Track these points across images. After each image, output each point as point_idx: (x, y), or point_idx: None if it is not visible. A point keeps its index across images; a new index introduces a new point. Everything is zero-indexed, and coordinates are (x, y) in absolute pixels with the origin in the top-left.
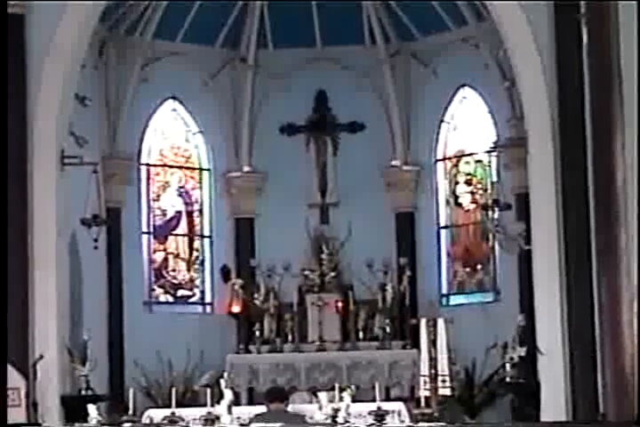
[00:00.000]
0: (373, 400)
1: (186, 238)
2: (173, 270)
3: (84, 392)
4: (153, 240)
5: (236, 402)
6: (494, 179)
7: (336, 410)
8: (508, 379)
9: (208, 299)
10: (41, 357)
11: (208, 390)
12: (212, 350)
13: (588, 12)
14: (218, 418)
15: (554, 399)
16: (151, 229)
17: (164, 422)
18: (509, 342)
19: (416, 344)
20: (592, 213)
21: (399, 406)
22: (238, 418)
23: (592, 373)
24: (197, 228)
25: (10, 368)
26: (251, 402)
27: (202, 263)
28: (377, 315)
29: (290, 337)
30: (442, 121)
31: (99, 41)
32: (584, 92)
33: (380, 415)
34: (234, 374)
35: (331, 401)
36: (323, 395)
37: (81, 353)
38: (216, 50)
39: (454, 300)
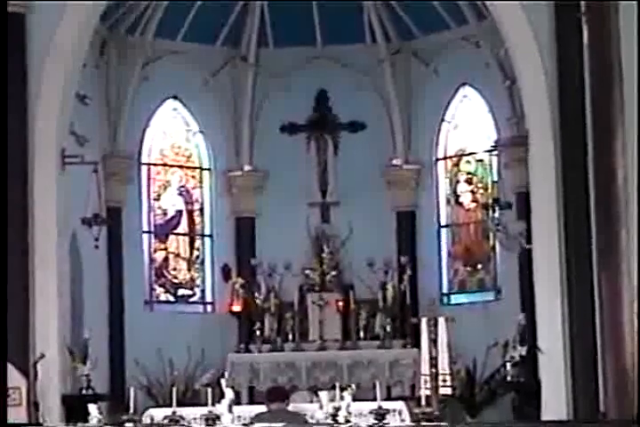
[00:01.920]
0: (374, 399)
1: (186, 238)
2: (174, 270)
3: (84, 391)
4: (154, 239)
5: (237, 401)
6: (495, 178)
7: (337, 409)
8: (508, 378)
9: (209, 298)
10: (42, 356)
11: (209, 390)
12: (213, 350)
13: (588, 11)
14: (219, 417)
15: (554, 398)
16: (152, 229)
17: (165, 421)
18: (510, 341)
19: (417, 343)
20: (593, 212)
21: (400, 405)
22: (239, 417)
23: (592, 372)
24: (198, 227)
25: (10, 367)
26: (251, 401)
27: (202, 262)
28: (378, 314)
29: (290, 336)
30: (442, 120)
31: (99, 40)
32: (585, 91)
33: (380, 414)
34: (234, 373)
35: (331, 400)
36: (323, 394)
37: (82, 352)
38: (217, 49)
39: (455, 299)
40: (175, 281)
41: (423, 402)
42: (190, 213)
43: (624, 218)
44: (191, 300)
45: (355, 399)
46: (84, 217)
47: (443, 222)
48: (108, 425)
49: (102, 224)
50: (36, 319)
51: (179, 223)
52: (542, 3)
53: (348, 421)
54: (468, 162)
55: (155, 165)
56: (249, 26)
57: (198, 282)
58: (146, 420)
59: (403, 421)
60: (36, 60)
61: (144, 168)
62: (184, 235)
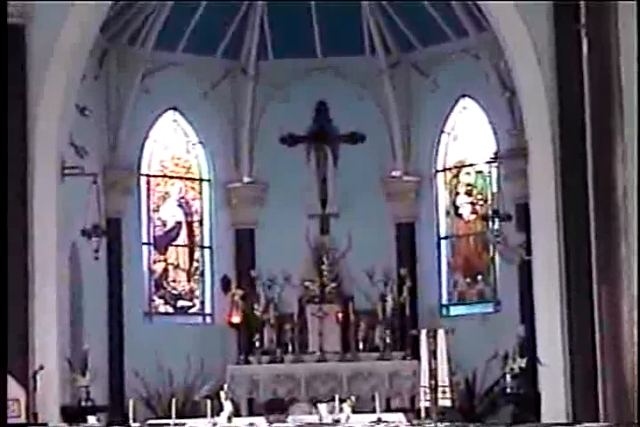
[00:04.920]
0: (374, 411)
1: (186, 249)
2: (173, 281)
3: (84, 403)
4: (153, 251)
5: (236, 413)
6: (494, 189)
7: (336, 421)
8: (508, 389)
9: (208, 309)
10: (41, 367)
11: (208, 401)
12: (213, 361)
13: (587, 22)
14: None
15: (554, 410)
16: (151, 240)
17: None
18: (510, 352)
19: (416, 355)
20: (592, 224)
21: (399, 416)
22: None
23: (592, 383)
24: (197, 238)
25: (10, 379)
26: (251, 413)
27: (202, 274)
28: (377, 325)
29: (290, 348)
30: (442, 131)
31: (99, 51)
32: (584, 102)
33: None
34: (234, 384)
35: (331, 412)
36: (323, 406)
37: (81, 364)
38: (216, 60)
39: (454, 310)
40: (174, 292)
41: (423, 414)
42: (190, 224)
43: (623, 229)
44: (190, 311)
45: (354, 411)
46: (84, 228)
47: (442, 234)
48: (112, 425)
49: (102, 235)
50: (35, 331)
51: (178, 235)
52: (542, 13)
53: None
54: (468, 173)
55: (154, 176)
56: (249, 38)
57: (198, 293)
58: None
59: None
60: (35, 70)
61: (144, 179)
62: (183, 246)
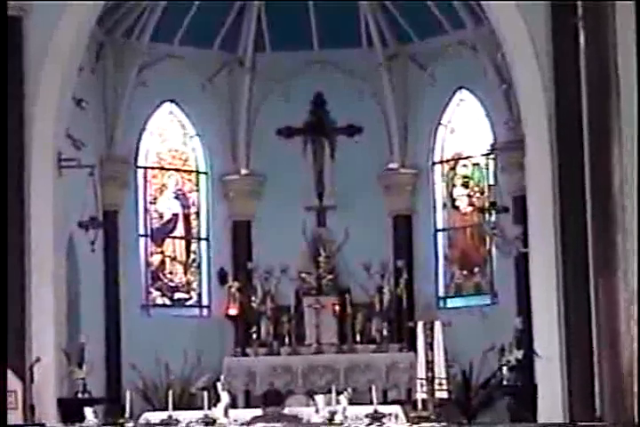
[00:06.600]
0: (370, 403)
1: (183, 241)
2: (170, 273)
3: (80, 395)
4: (150, 243)
5: (233, 405)
6: (491, 182)
7: (333, 413)
8: (505, 382)
9: (205, 302)
10: (38, 359)
11: (205, 393)
12: (210, 353)
13: (585, 15)
14: (215, 421)
15: (551, 403)
16: (148, 232)
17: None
18: (506, 345)
19: (413, 347)
20: (589, 216)
21: (396, 408)
22: (235, 421)
23: (589, 376)
24: (194, 230)
25: (6, 371)
26: (247, 405)
27: (199, 266)
28: (374, 318)
29: (287, 340)
30: (439, 124)
31: (96, 44)
32: (581, 95)
33: (377, 418)
34: (231, 376)
35: (328, 404)
36: (319, 398)
37: (78, 356)
38: (214, 53)
39: (451, 303)
40: (171, 285)
41: (419, 406)
42: (187, 216)
43: (621, 222)
44: (187, 303)
45: (351, 403)
46: (81, 220)
47: (439, 226)
48: (107, 425)
49: (99, 227)
50: (32, 323)
51: (175, 227)
52: (539, 7)
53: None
54: (465, 166)
55: (151, 168)
56: (246, 30)
57: (195, 286)
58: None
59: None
60: (33, 63)
61: (140, 171)
62: (180, 238)
